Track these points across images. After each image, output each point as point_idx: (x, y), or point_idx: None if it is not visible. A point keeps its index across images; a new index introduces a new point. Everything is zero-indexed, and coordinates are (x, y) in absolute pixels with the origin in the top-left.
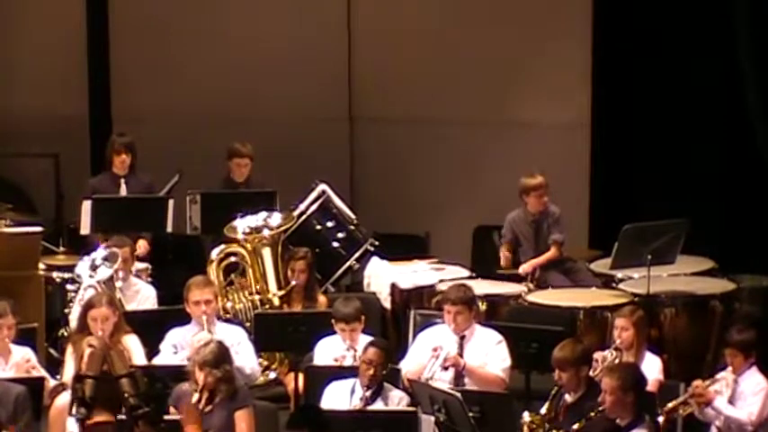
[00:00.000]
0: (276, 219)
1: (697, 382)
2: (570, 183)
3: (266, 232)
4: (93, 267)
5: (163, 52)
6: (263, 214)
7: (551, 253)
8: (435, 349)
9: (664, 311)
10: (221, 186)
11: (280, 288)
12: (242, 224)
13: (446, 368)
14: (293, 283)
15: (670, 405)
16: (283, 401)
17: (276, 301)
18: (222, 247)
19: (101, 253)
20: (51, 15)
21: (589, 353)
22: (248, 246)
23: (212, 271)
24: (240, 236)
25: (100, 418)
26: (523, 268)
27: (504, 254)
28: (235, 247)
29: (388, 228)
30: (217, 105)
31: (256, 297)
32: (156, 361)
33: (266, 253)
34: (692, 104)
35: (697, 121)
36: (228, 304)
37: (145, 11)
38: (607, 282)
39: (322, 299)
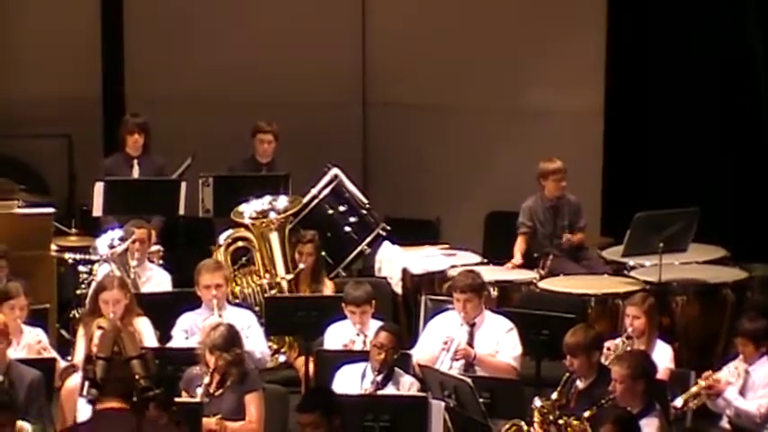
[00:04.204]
0: (282, 202)
1: (707, 374)
2: (583, 170)
3: (273, 215)
4: (111, 246)
5: (177, 34)
6: (269, 198)
7: (580, 237)
8: (446, 342)
9: (675, 299)
10: (244, 166)
11: (288, 272)
12: (248, 209)
13: (457, 359)
14: (301, 266)
15: (681, 400)
16: (294, 385)
17: (285, 285)
18: (230, 232)
19: (118, 233)
20: None
21: (600, 338)
22: (255, 230)
23: (220, 256)
24: (247, 220)
25: (111, 404)
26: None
27: (519, 250)
28: (242, 232)
29: (400, 213)
30: (231, 89)
31: (265, 281)
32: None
33: (273, 237)
34: (705, 92)
35: (710, 109)
36: (237, 289)
37: None
38: (619, 269)
39: (328, 281)
